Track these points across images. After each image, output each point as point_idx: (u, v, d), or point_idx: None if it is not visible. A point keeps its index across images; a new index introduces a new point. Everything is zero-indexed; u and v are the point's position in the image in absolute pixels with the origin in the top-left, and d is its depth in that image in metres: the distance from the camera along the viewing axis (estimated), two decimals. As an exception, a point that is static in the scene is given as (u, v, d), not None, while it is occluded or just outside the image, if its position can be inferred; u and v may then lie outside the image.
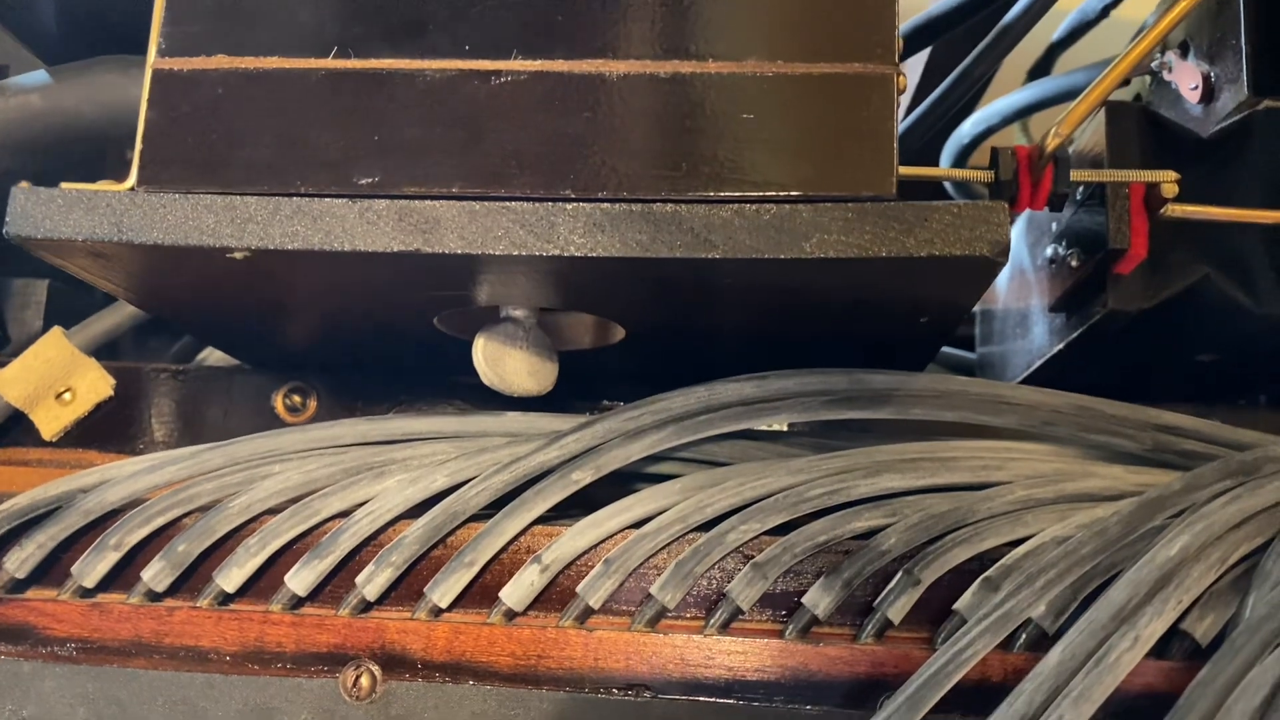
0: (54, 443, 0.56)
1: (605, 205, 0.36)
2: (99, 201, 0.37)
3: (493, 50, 0.37)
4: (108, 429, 0.56)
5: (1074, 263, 0.46)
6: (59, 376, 0.55)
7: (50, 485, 0.44)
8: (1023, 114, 0.62)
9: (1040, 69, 0.65)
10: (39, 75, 0.47)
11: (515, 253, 0.36)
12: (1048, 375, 0.55)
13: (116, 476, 0.44)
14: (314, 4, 0.38)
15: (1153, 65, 0.54)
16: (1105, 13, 0.61)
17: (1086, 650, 0.36)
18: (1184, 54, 0.52)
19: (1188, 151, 0.46)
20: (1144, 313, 0.45)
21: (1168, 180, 0.41)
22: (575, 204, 0.36)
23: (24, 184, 0.38)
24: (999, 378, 0.62)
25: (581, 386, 0.53)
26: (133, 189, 0.38)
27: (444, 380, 0.54)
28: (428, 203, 0.36)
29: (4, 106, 0.46)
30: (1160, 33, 0.41)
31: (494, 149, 0.37)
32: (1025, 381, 0.57)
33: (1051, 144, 0.38)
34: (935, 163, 0.70)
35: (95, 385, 0.56)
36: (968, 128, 0.64)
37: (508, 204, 0.36)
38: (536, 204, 0.36)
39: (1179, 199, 0.43)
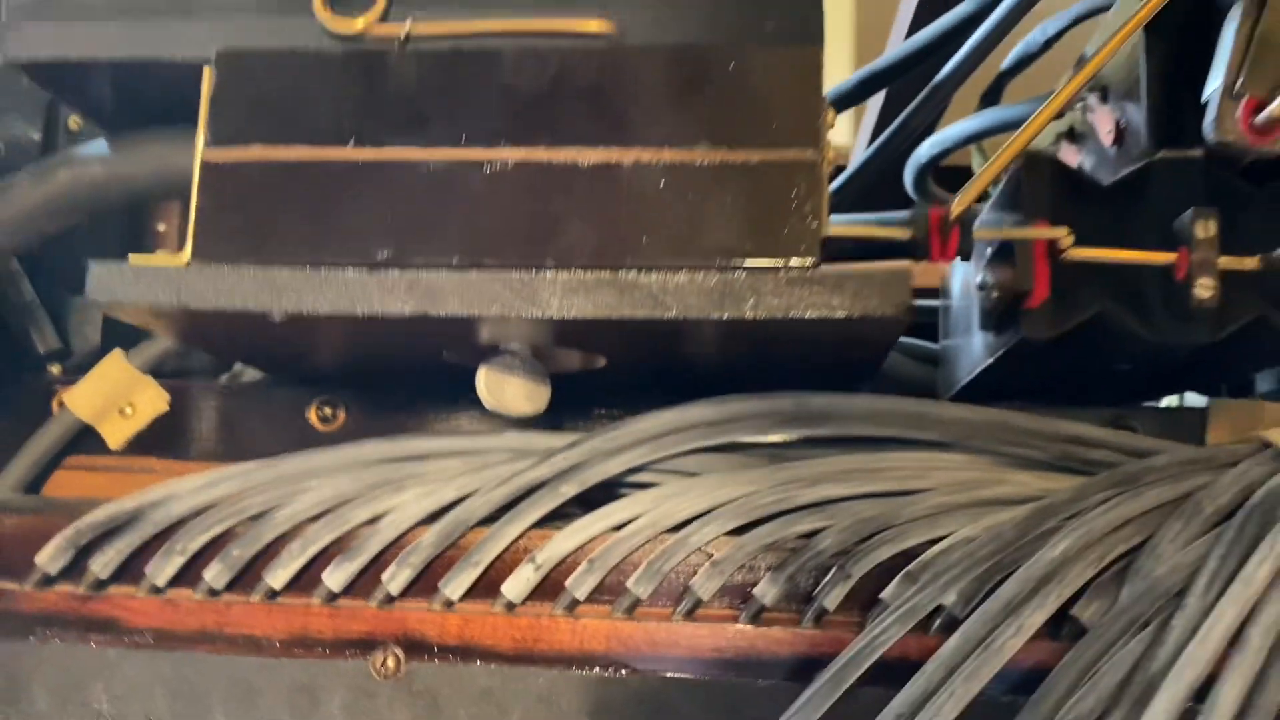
0: (119, 451, 0.64)
1: (579, 273, 0.43)
2: (161, 274, 0.45)
3: (484, 141, 0.45)
4: (164, 438, 0.64)
5: (994, 293, 0.53)
6: (121, 394, 0.64)
7: (125, 500, 0.52)
8: (973, 139, 0.68)
9: (991, 94, 0.71)
10: (99, 145, 0.54)
11: (505, 314, 0.44)
12: (987, 381, 0.62)
13: (180, 492, 0.52)
14: (333, 101, 0.46)
15: (1079, 105, 0.61)
16: (1048, 46, 0.67)
17: (979, 637, 0.43)
18: (1103, 99, 0.58)
19: (1094, 197, 0.53)
20: (1054, 339, 0.52)
21: (1060, 235, 0.48)
22: (554, 272, 0.43)
23: (96, 267, 0.45)
24: (953, 370, 0.69)
25: (573, 398, 0.60)
26: (188, 263, 0.46)
27: (455, 395, 0.61)
28: (433, 273, 0.44)
29: (72, 175, 0.54)
30: (1061, 102, 0.47)
31: (487, 226, 0.44)
32: (968, 385, 0.64)
33: (955, 210, 0.45)
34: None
35: (153, 400, 0.64)
36: (925, 150, 0.70)
37: (498, 273, 0.44)
38: (522, 272, 0.44)
39: (1080, 243, 0.50)
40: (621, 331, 0.47)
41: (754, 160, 0.44)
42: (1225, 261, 0.49)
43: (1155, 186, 0.52)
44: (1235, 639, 0.42)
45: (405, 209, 0.45)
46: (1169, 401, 0.75)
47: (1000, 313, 0.53)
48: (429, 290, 0.43)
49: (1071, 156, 0.63)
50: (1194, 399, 0.76)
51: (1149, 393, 0.68)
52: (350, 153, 0.45)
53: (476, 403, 0.61)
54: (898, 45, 0.61)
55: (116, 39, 0.48)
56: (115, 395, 0.63)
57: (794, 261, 0.43)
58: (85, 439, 0.64)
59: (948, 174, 0.78)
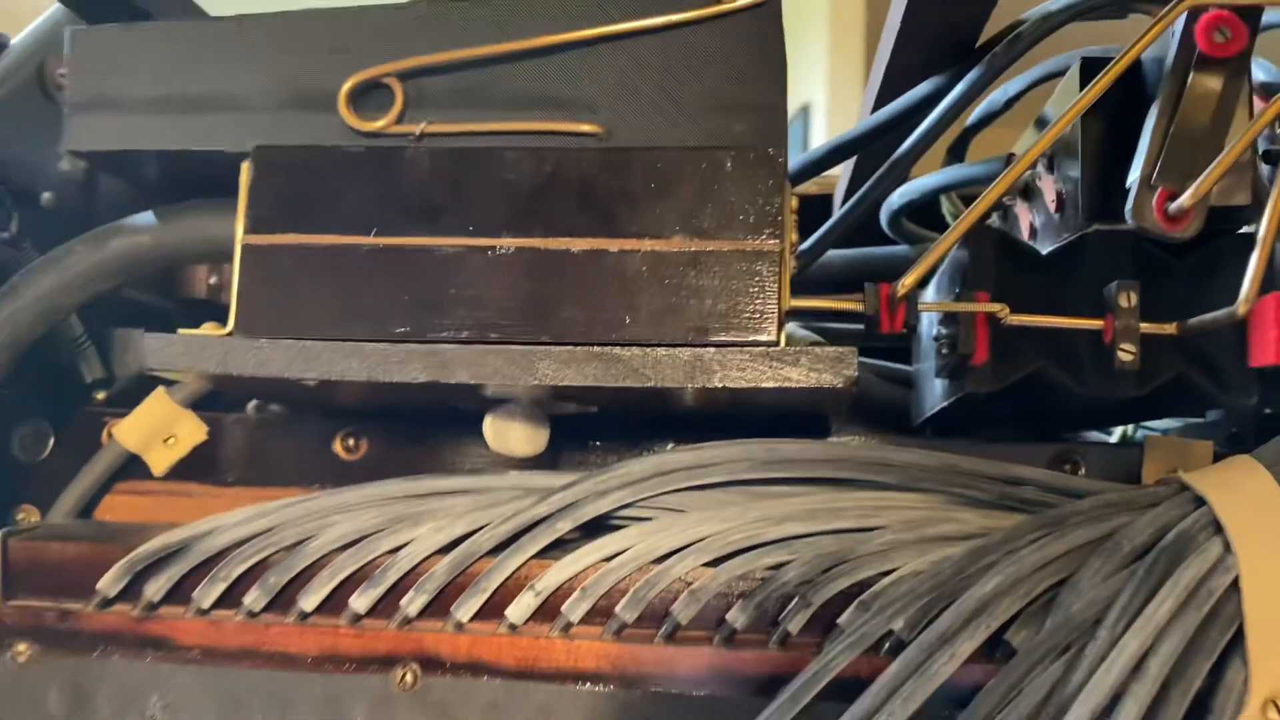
0: (162, 477, 0.71)
1: (571, 348, 0.50)
2: (207, 345, 0.52)
3: (489, 230, 0.51)
4: (203, 466, 0.71)
5: (945, 349, 0.59)
6: (164, 426, 0.71)
7: (174, 532, 0.59)
8: (939, 192, 0.74)
9: (957, 147, 0.77)
10: (146, 217, 0.61)
11: (506, 384, 0.50)
12: (950, 413, 0.68)
13: (223, 525, 0.59)
14: (357, 194, 0.52)
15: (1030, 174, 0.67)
16: (1009, 105, 0.73)
17: (916, 663, 0.50)
18: (1049, 168, 0.65)
19: (1034, 265, 0.59)
20: (997, 391, 0.58)
21: (997, 310, 0.54)
22: (549, 347, 0.50)
23: (150, 338, 0.52)
24: (922, 396, 0.75)
25: (570, 436, 0.67)
26: (230, 334, 0.52)
27: (463, 430, 0.68)
28: (444, 347, 0.50)
29: (123, 244, 0.61)
30: (995, 198, 0.53)
31: (491, 305, 0.51)
32: (933, 417, 0.70)
33: (901, 290, 0.52)
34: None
35: (193, 432, 0.71)
36: (895, 199, 0.76)
37: (501, 347, 0.50)
38: (523, 347, 0.50)
39: (1019, 307, 0.56)
40: (608, 391, 0.54)
41: (724, 249, 0.50)
42: (1146, 327, 0.55)
43: (1088, 256, 0.58)
44: (1137, 668, 0.49)
45: (420, 290, 0.51)
46: (1120, 431, 0.81)
47: (951, 366, 0.59)
48: (441, 361, 0.50)
49: (1025, 213, 0.69)
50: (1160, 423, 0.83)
51: (1100, 423, 0.74)
52: (372, 240, 0.52)
53: (482, 436, 0.68)
54: (866, 115, 0.68)
55: (161, 132, 0.54)
56: (159, 427, 0.70)
57: (758, 338, 0.49)
58: (132, 466, 0.71)
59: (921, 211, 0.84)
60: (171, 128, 0.55)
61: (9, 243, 0.74)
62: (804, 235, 0.64)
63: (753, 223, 0.50)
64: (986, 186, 0.67)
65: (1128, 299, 0.55)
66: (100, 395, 0.79)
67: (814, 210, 0.66)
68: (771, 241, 0.50)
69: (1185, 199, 0.51)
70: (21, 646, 0.58)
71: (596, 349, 0.50)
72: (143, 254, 0.61)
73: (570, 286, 0.50)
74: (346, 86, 0.52)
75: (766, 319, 0.49)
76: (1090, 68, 0.59)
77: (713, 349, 0.49)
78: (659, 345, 0.50)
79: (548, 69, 0.51)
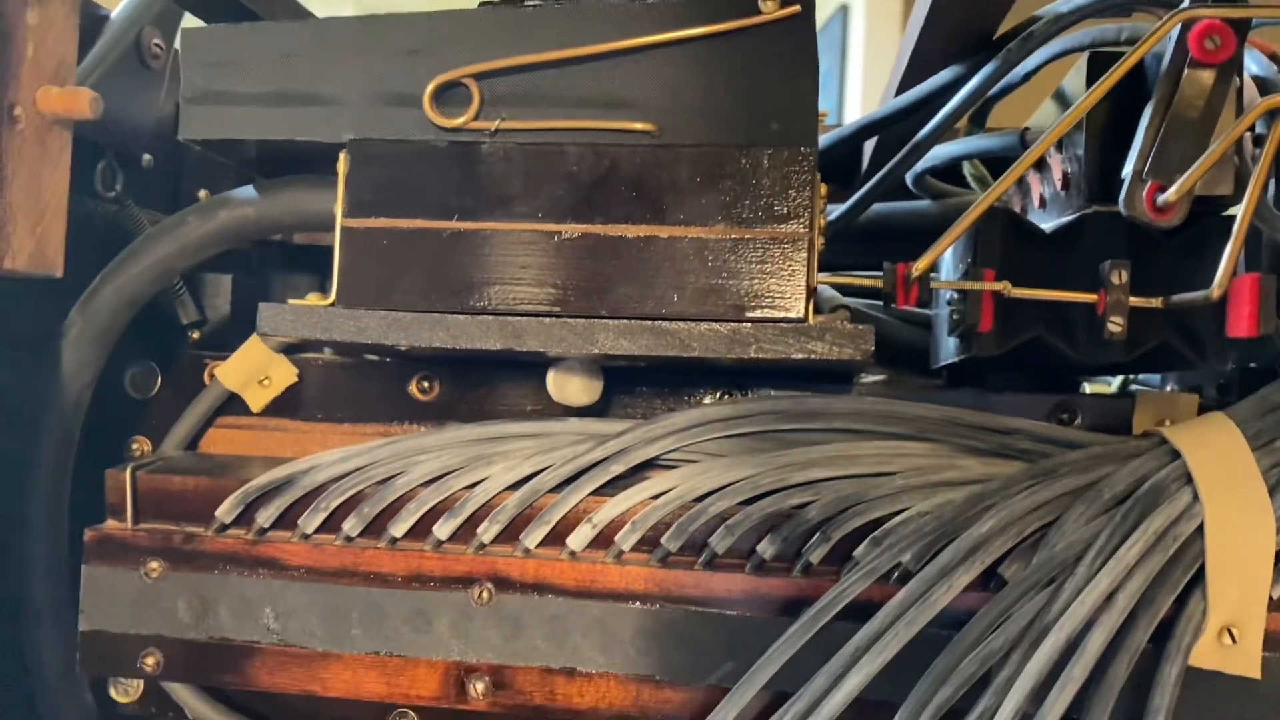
0: (259, 414, 0.81)
1: (626, 322, 0.58)
2: (314, 314, 0.60)
3: (555, 217, 0.59)
4: (295, 403, 0.80)
5: (955, 315, 0.67)
6: (260, 368, 0.79)
7: (280, 469, 0.68)
8: (960, 159, 0.81)
9: (978, 115, 0.83)
10: (249, 191, 0.69)
11: (570, 352, 0.58)
12: (958, 370, 0.76)
13: (323, 463, 0.68)
14: (439, 185, 0.60)
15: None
16: (1027, 78, 0.79)
17: (919, 593, 0.59)
18: (1057, 147, 0.71)
19: (1038, 241, 0.66)
20: (1001, 354, 0.66)
21: (1001, 288, 0.61)
22: (607, 321, 0.58)
23: (264, 306, 0.61)
24: (939, 343, 0.82)
25: (624, 382, 0.75)
26: (333, 304, 0.61)
27: (527, 374, 0.77)
28: (517, 319, 0.59)
29: (230, 216, 0.69)
30: (1009, 183, 0.60)
31: (558, 283, 0.59)
32: (946, 366, 0.78)
33: (915, 273, 0.59)
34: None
35: (285, 373, 0.80)
36: (920, 164, 0.83)
37: (566, 320, 0.58)
38: (584, 320, 0.58)
39: (1022, 281, 0.63)
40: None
41: (760, 236, 0.58)
42: (1135, 301, 0.62)
43: (1087, 234, 0.65)
44: (1108, 600, 0.58)
45: (495, 269, 0.59)
46: (1120, 378, 0.88)
47: (960, 330, 0.67)
48: (514, 332, 0.58)
49: (1036, 184, 0.75)
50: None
51: (1099, 373, 0.82)
52: (454, 224, 0.60)
53: (543, 380, 0.76)
54: (891, 96, 0.74)
55: (266, 123, 0.62)
56: (255, 369, 0.79)
57: (789, 315, 0.57)
58: (231, 404, 0.80)
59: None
60: (275, 120, 0.62)
61: (114, 200, 0.83)
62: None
63: (786, 212, 0.57)
64: (1001, 155, 0.74)
65: (1119, 276, 0.62)
66: (195, 335, 0.87)
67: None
68: (802, 229, 0.57)
69: (1171, 193, 0.58)
70: (153, 564, 0.68)
71: (648, 323, 0.58)
72: (247, 225, 0.69)
73: (625, 268, 0.58)
74: (430, 87, 0.59)
75: (796, 298, 0.57)
76: (1097, 63, 0.65)
77: (749, 324, 0.57)
78: (702, 320, 0.57)
79: (607, 73, 0.58)
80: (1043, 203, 0.75)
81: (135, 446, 0.81)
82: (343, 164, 0.61)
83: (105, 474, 0.70)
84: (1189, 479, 0.61)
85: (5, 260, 0.62)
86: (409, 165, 0.60)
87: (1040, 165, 0.76)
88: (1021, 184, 0.79)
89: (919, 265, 0.59)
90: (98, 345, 0.71)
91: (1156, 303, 0.63)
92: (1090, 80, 0.66)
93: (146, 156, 0.84)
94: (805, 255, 0.57)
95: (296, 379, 0.80)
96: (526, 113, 0.59)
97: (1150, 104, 0.60)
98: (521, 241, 0.59)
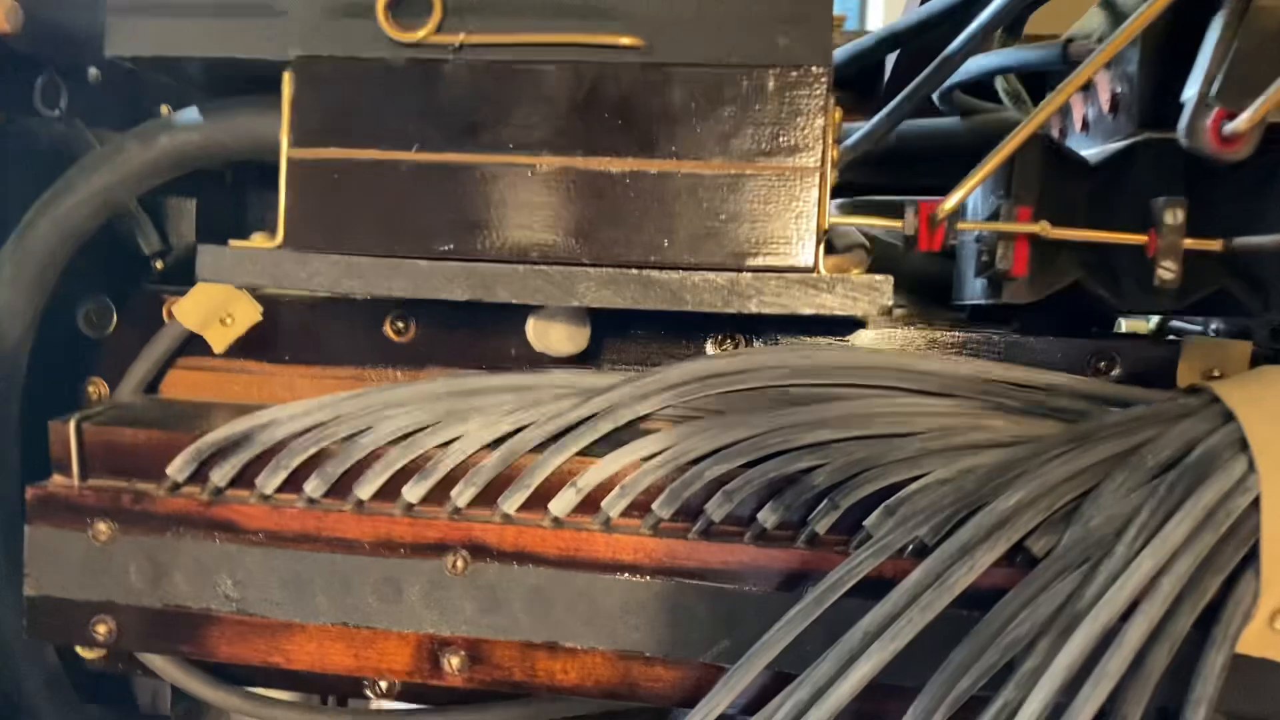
0: (221, 355, 0.74)
1: (610, 270, 0.51)
2: (259, 258, 0.54)
3: (529, 149, 0.51)
4: (259, 344, 0.74)
5: (984, 256, 0.59)
6: (221, 306, 0.73)
7: (237, 423, 0.62)
8: (993, 74, 0.72)
9: (1014, 25, 0.74)
10: (193, 114, 0.62)
11: (546, 303, 0.52)
12: (983, 309, 0.68)
13: (282, 417, 0.62)
14: (398, 108, 0.52)
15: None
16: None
17: (936, 573, 0.53)
18: (1107, 65, 0.62)
19: (1080, 172, 0.58)
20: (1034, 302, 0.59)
21: (1037, 229, 0.54)
22: (589, 268, 0.51)
23: (204, 250, 0.54)
24: (962, 277, 0.75)
25: (613, 327, 0.68)
26: (279, 247, 0.54)
27: (508, 314, 0.70)
28: (485, 266, 0.52)
29: (173, 142, 0.61)
30: (1052, 110, 0.52)
31: (533, 224, 0.52)
32: (974, 306, 0.71)
33: (941, 215, 0.51)
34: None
35: (248, 312, 0.73)
36: (951, 78, 0.74)
37: (542, 268, 0.51)
38: (562, 268, 0.51)
39: (1062, 218, 0.56)
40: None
41: (763, 172, 0.50)
42: (1190, 243, 0.55)
43: (1136, 166, 0.57)
44: (1150, 585, 0.51)
45: (461, 207, 0.52)
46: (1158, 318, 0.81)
47: (989, 272, 0.59)
48: (483, 280, 0.52)
49: (1079, 105, 0.67)
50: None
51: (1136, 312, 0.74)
52: (414, 156, 0.52)
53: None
54: (915, 3, 0.65)
55: (202, 38, 0.54)
56: (216, 307, 0.73)
57: (796, 263, 0.50)
58: (193, 345, 0.74)
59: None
60: (212, 34, 0.54)
61: (60, 120, 0.75)
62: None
63: (793, 144, 0.50)
64: (1040, 69, 0.65)
65: (1173, 216, 0.54)
66: (159, 265, 0.81)
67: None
68: (812, 162, 0.50)
69: (1242, 121, 0.50)
70: (102, 526, 0.62)
71: (634, 272, 0.51)
72: (191, 151, 0.62)
73: (609, 207, 0.51)
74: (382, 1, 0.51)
75: (804, 244, 0.50)
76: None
77: (750, 274, 0.50)
78: (696, 269, 0.50)
79: (589, -24, 0.50)
80: (1085, 126, 0.66)
81: (91, 389, 0.75)
82: (287, 85, 0.54)
83: (49, 425, 0.64)
84: (1244, 445, 0.54)
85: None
86: (362, 86, 0.53)
87: (1085, 85, 0.67)
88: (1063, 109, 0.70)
89: (946, 206, 0.52)
90: (35, 287, 0.64)
91: (1216, 245, 0.55)
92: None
93: (93, 70, 0.76)
94: (815, 193, 0.50)
95: (260, 318, 0.73)
96: (495, 24, 0.52)
97: (1219, 15, 0.51)
98: (490, 176, 0.52)
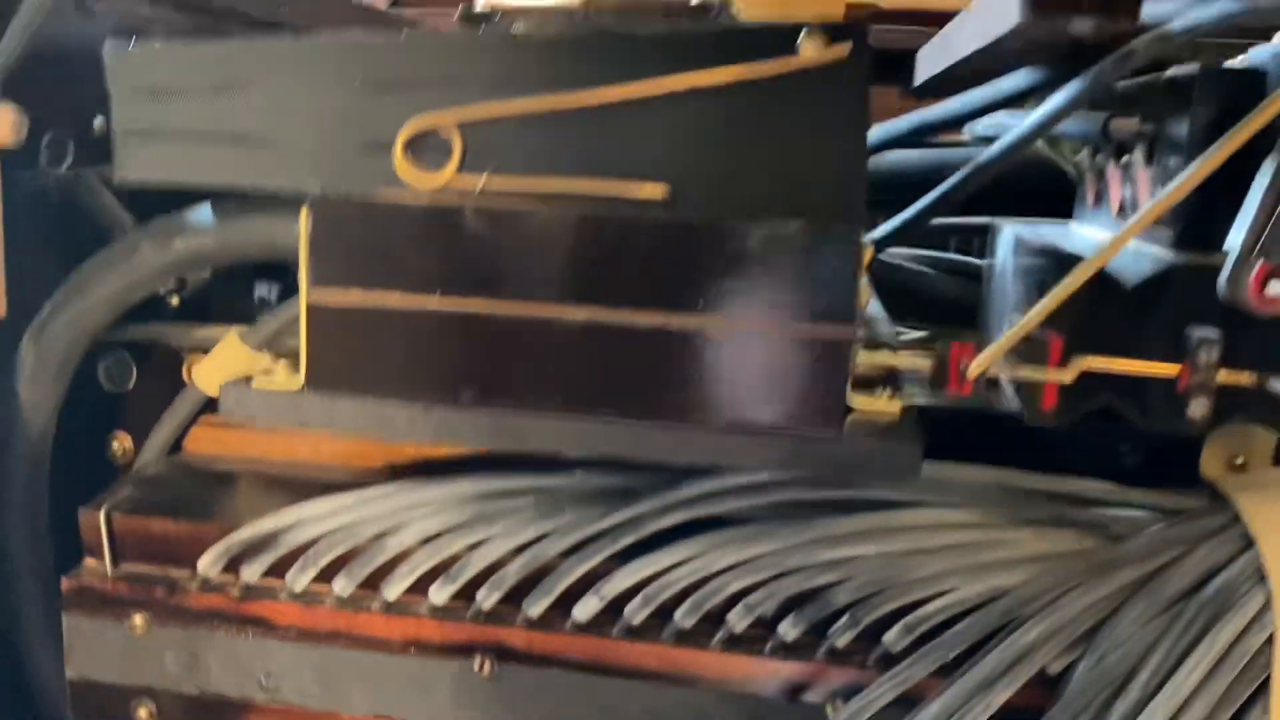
0: (245, 414, 0.74)
1: (632, 424, 0.51)
2: (282, 399, 0.53)
3: (551, 299, 0.51)
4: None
5: (1015, 388, 0.58)
6: (239, 369, 0.73)
7: (264, 521, 0.63)
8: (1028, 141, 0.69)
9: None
10: (208, 215, 0.60)
11: (572, 454, 0.51)
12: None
13: (308, 517, 0.63)
14: (418, 253, 0.51)
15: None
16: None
17: (953, 708, 0.54)
18: (1148, 158, 0.60)
19: (1115, 296, 0.56)
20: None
21: (1069, 378, 0.53)
22: (610, 423, 0.51)
23: (228, 388, 0.54)
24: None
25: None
26: (303, 389, 0.53)
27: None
28: (513, 416, 0.51)
29: (187, 245, 0.60)
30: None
31: (558, 375, 0.51)
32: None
33: (972, 375, 0.51)
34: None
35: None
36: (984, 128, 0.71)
37: (567, 419, 0.51)
38: (588, 419, 0.51)
39: (1092, 344, 0.55)
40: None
41: (790, 335, 0.49)
42: (1223, 376, 0.54)
43: (1172, 290, 0.56)
44: (1163, 730, 0.52)
45: (484, 355, 0.51)
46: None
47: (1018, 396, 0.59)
48: (512, 431, 0.51)
49: (1117, 184, 0.65)
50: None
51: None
52: (437, 301, 0.51)
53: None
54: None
55: (214, 166, 0.53)
56: (237, 369, 0.72)
57: (819, 432, 0.50)
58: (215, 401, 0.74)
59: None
60: (224, 162, 0.53)
61: (70, 170, 0.74)
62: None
63: (823, 309, 0.49)
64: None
65: (1208, 353, 0.53)
66: (174, 301, 0.80)
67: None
68: (842, 330, 0.49)
69: (1284, 286, 0.48)
70: (137, 619, 0.64)
71: (658, 425, 0.50)
72: (205, 254, 0.61)
73: (632, 361, 0.50)
74: (403, 136, 0.50)
75: (832, 414, 0.49)
76: (1211, 84, 0.54)
77: (772, 438, 0.49)
78: (717, 429, 0.50)
79: (610, 124, 0.48)
80: (1122, 210, 0.65)
81: (116, 445, 0.76)
82: (304, 223, 0.52)
83: (79, 513, 0.65)
84: (1262, 577, 0.55)
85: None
86: (383, 230, 0.52)
87: (1125, 163, 0.65)
88: (1097, 169, 0.68)
89: (976, 365, 0.51)
90: (56, 380, 0.64)
91: (1249, 380, 0.54)
92: (1202, 91, 0.55)
93: (99, 120, 0.74)
94: (845, 363, 0.49)
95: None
96: (516, 169, 0.50)
97: (1270, 165, 0.50)
98: (513, 325, 0.51)
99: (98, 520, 0.65)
